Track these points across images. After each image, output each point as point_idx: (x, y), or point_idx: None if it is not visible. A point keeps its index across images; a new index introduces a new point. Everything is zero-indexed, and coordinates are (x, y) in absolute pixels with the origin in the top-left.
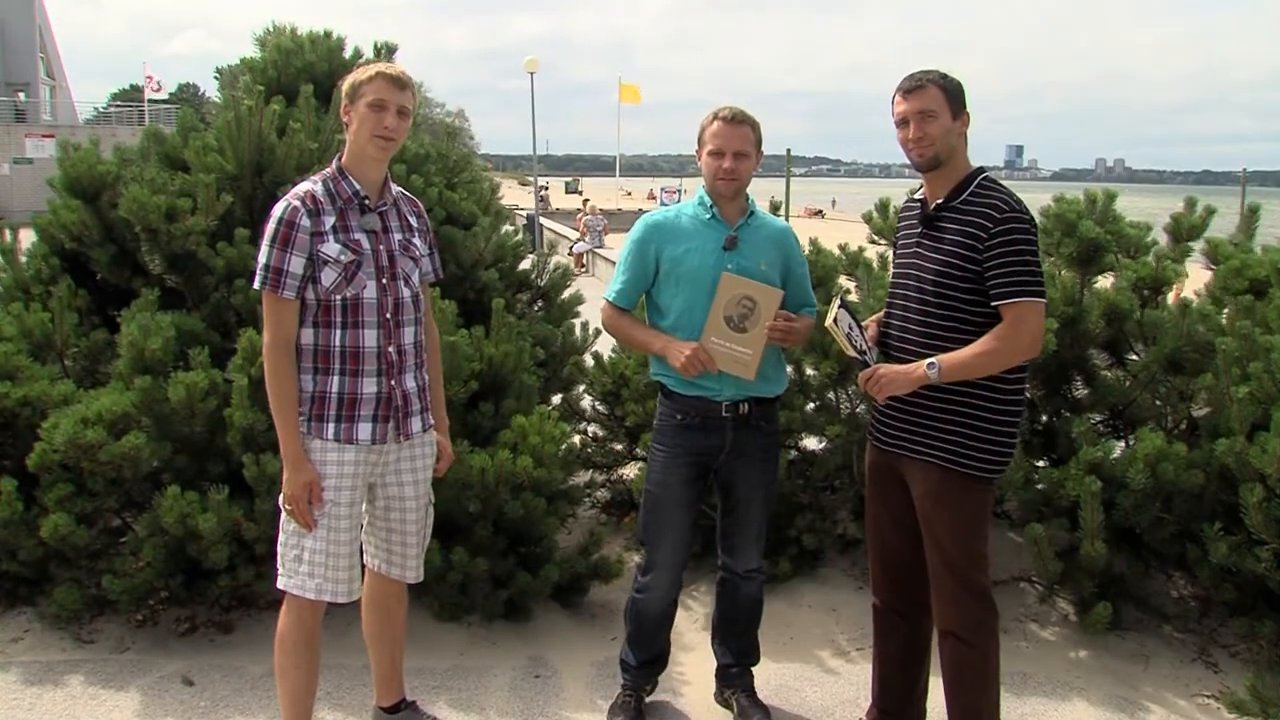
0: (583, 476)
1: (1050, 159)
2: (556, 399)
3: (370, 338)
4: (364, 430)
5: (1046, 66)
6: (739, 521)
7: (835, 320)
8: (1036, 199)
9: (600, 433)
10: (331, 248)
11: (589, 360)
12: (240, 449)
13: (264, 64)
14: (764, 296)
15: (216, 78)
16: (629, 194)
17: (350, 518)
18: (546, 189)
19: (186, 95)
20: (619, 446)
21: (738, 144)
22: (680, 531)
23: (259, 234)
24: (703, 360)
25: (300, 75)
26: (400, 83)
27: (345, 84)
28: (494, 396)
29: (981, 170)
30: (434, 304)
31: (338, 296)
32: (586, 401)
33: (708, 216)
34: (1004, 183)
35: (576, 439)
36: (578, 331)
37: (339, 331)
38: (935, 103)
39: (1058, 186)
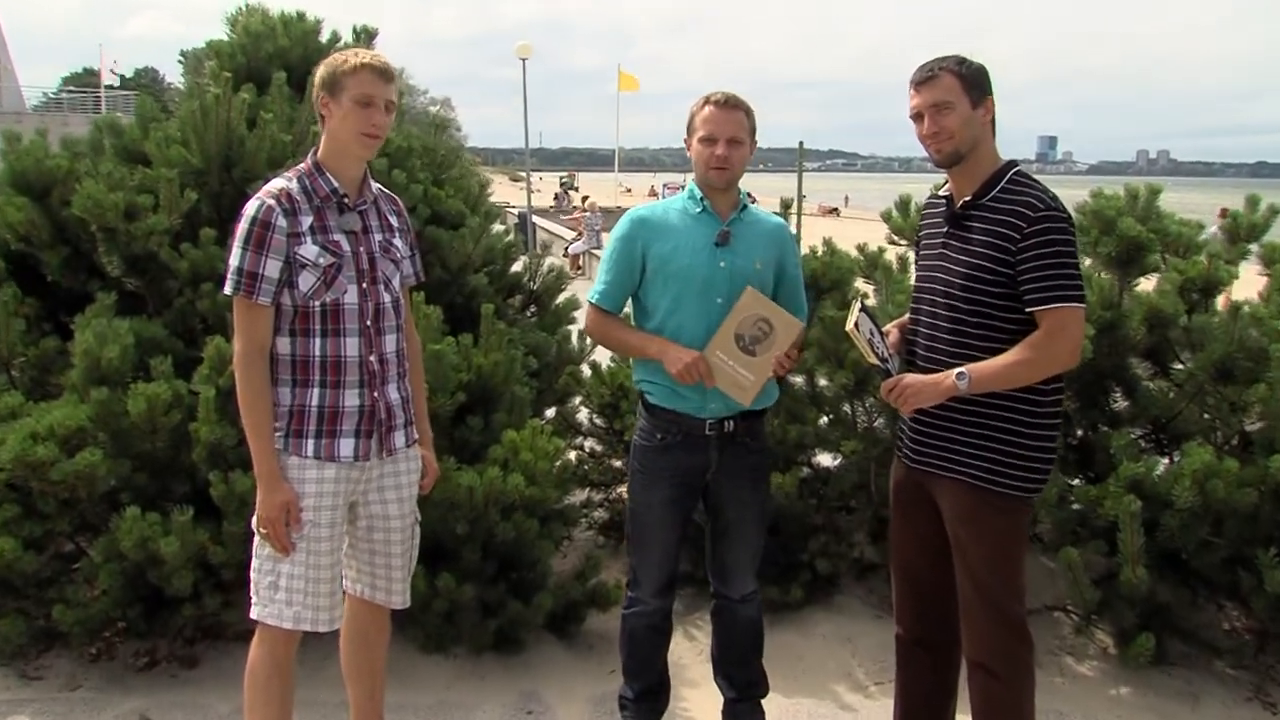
0: (579, 496)
1: (1087, 151)
2: (551, 412)
3: (351, 346)
4: (346, 446)
5: (1082, 50)
6: (731, 545)
7: (856, 325)
8: (1072, 195)
9: (598, 448)
10: (309, 250)
11: (586, 370)
12: (207, 466)
13: (232, 48)
14: (784, 325)
15: (181, 62)
16: (628, 190)
17: (331, 539)
18: (568, 181)
19: (146, 81)
20: (618, 463)
21: (731, 130)
22: (666, 546)
23: (228, 234)
24: (701, 372)
25: (272, 61)
26: (387, 75)
27: (322, 72)
28: (483, 409)
29: (1013, 164)
30: (416, 309)
31: (316, 302)
32: (583, 415)
33: (698, 210)
34: (1037, 178)
35: (572, 455)
36: (574, 339)
37: (318, 340)
38: (951, 93)
39: (1095, 181)
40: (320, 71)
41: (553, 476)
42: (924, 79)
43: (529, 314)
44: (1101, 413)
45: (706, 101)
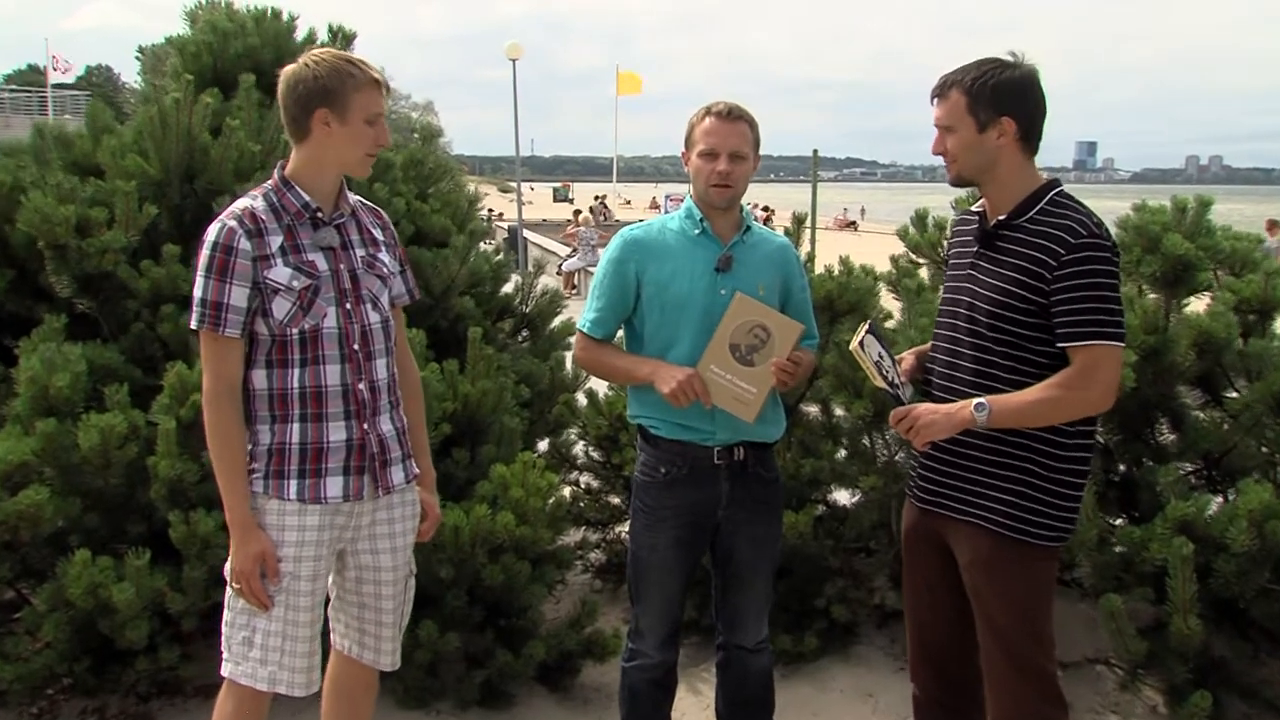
0: (574, 535)
1: (1129, 157)
2: (543, 445)
3: (333, 374)
4: (333, 485)
5: (1123, 45)
6: (744, 588)
7: (861, 344)
8: (1113, 206)
9: (595, 484)
10: (280, 273)
11: (582, 399)
12: (166, 505)
13: (196, 46)
14: (781, 329)
15: (139, 59)
16: (628, 202)
17: (313, 594)
18: (600, 197)
19: (98, 79)
20: (617, 500)
21: (734, 143)
22: (671, 592)
23: (190, 250)
24: (696, 390)
25: (240, 62)
26: (386, 88)
27: (322, 84)
28: (470, 442)
29: (1054, 184)
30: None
31: (294, 329)
32: (578, 448)
33: (696, 232)
34: (1074, 188)
35: (567, 491)
36: (568, 366)
37: (297, 370)
38: (953, 114)
39: (1139, 190)
40: (313, 82)
41: (545, 515)
42: (936, 93)
43: (520, 339)
44: (1146, 446)
45: (707, 113)
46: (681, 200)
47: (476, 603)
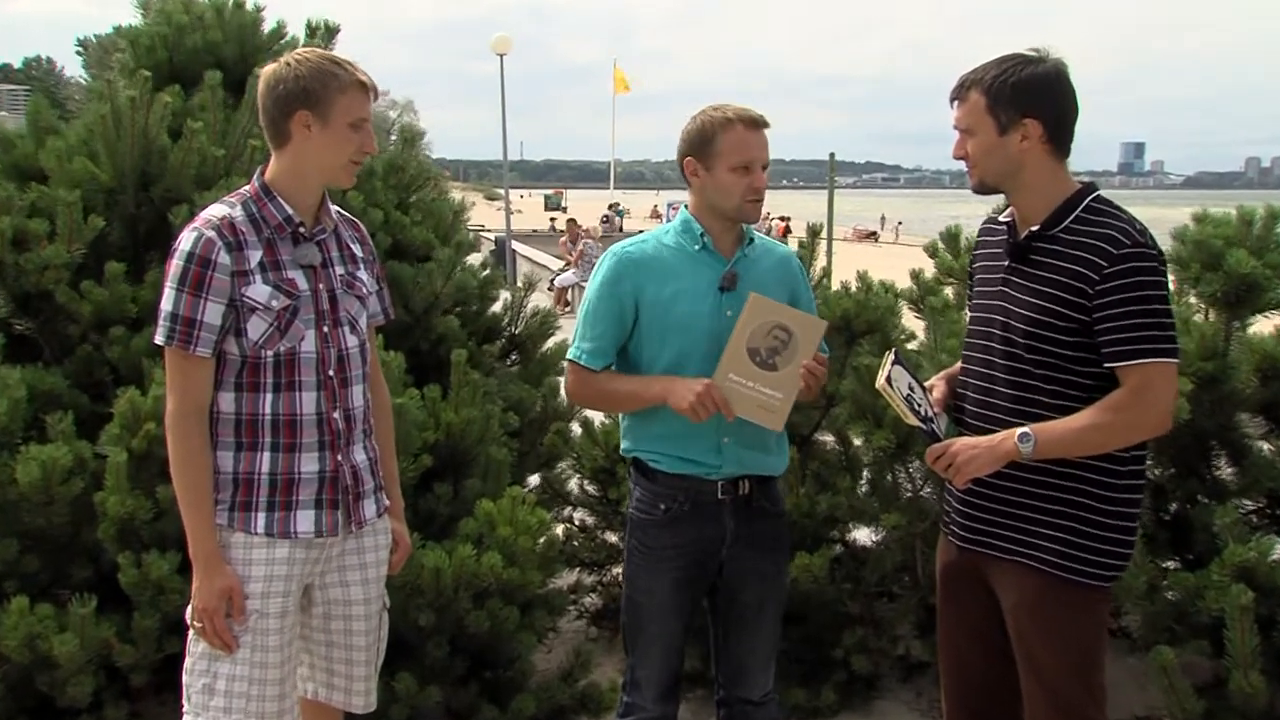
0: (567, 578)
1: (1182, 160)
2: (534, 478)
3: (309, 401)
4: (304, 520)
5: (1173, 35)
6: (749, 635)
7: (889, 379)
8: (1165, 216)
9: (589, 521)
10: (259, 290)
11: (576, 429)
12: (115, 546)
13: (151, 39)
14: (803, 327)
15: (80, 52)
16: (625, 211)
17: (282, 633)
18: (618, 209)
19: (37, 73)
20: (613, 539)
21: (767, 153)
22: (670, 640)
23: (143, 266)
24: (716, 401)
25: (201, 57)
26: (375, 91)
27: (302, 84)
28: (453, 475)
29: (1090, 189)
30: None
31: (269, 352)
32: (572, 482)
33: (696, 248)
34: (1119, 194)
35: (559, 530)
36: (561, 392)
37: (269, 395)
38: (971, 115)
39: (1193, 196)
40: (293, 82)
41: (536, 555)
42: (954, 94)
43: (509, 362)
44: (1202, 482)
45: (735, 120)
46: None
47: (459, 652)
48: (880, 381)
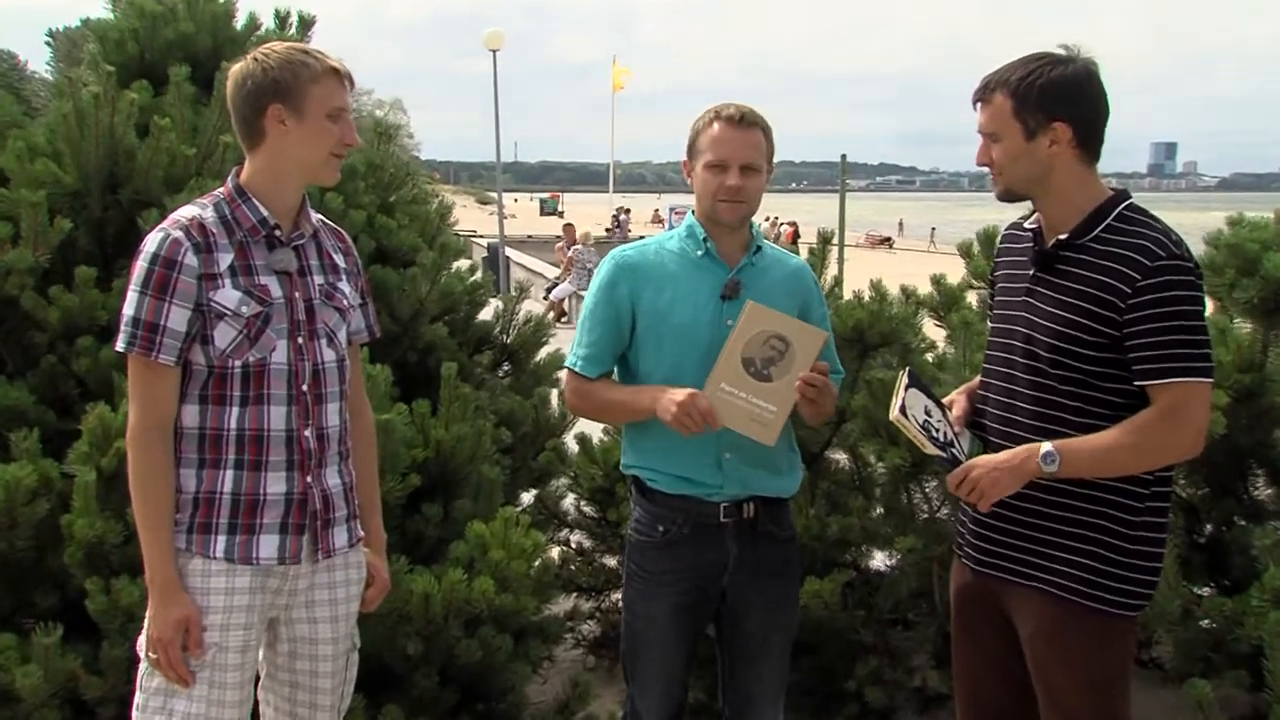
0: (563, 604)
1: (1216, 160)
2: (527, 498)
3: (278, 417)
4: (267, 545)
5: (1208, 29)
6: (755, 665)
7: (903, 409)
8: (1199, 220)
9: (587, 544)
10: (228, 295)
11: (572, 444)
12: (82, 572)
13: (120, 32)
14: (801, 337)
15: (49, 44)
16: (626, 213)
17: (241, 668)
18: (627, 213)
19: (1, 67)
20: (612, 562)
21: (746, 154)
22: (672, 670)
23: (113, 272)
24: (702, 412)
25: (171, 51)
26: (351, 79)
27: (273, 75)
28: (442, 495)
29: (1123, 196)
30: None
31: (236, 362)
32: (568, 501)
33: (699, 253)
34: (1149, 197)
35: (555, 553)
36: (555, 405)
37: (235, 409)
38: (997, 119)
39: (1228, 200)
40: (262, 76)
41: (530, 580)
42: (978, 96)
43: (500, 374)
44: (1239, 502)
45: (715, 117)
46: (685, 213)
47: (449, 683)
48: (894, 413)
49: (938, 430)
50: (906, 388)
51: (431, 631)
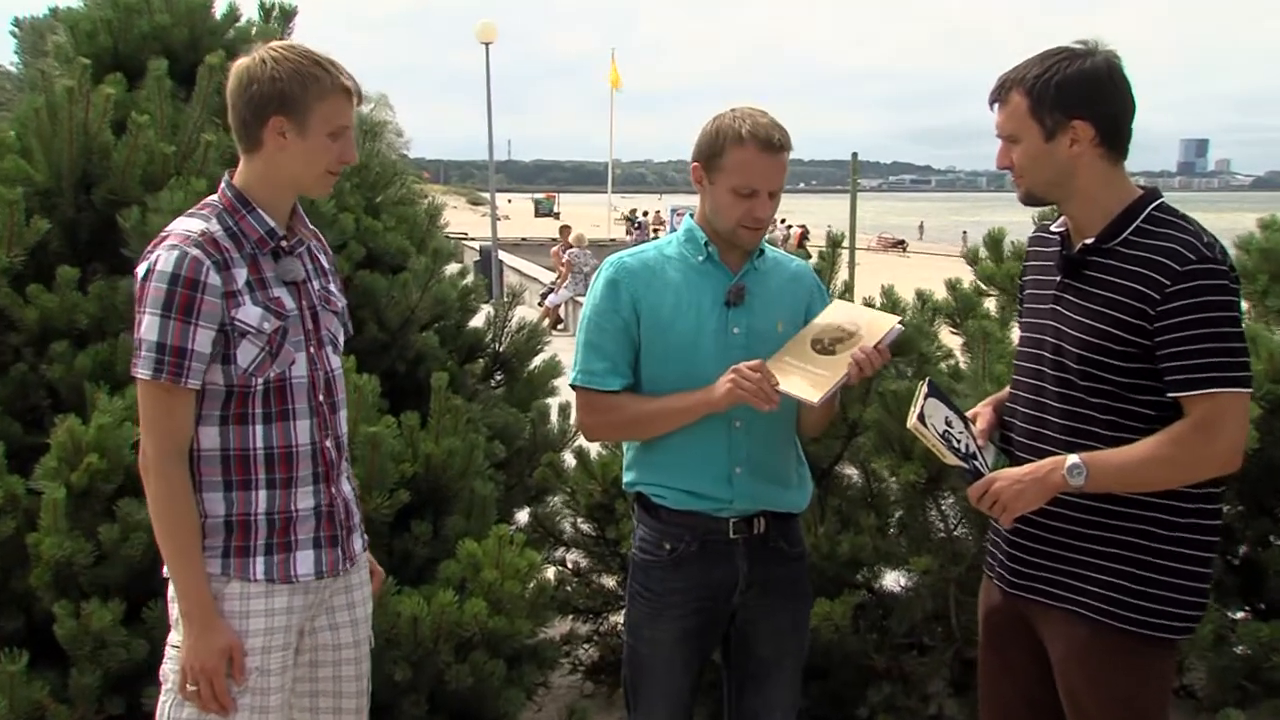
0: (560, 627)
1: (1250, 159)
2: (522, 515)
3: (304, 431)
4: (304, 561)
5: (1239, 18)
6: (765, 690)
7: (921, 417)
8: (1231, 222)
9: (584, 564)
10: (251, 313)
11: (569, 459)
12: (50, 594)
13: (92, 23)
14: (871, 323)
15: (14, 34)
16: (645, 215)
17: (283, 690)
18: (645, 215)
19: None
20: (611, 583)
21: (777, 181)
22: (677, 696)
23: (87, 275)
24: (755, 367)
25: (147, 44)
26: (360, 95)
27: (277, 87)
28: (433, 512)
29: (1152, 195)
30: (346, 376)
31: (259, 379)
32: (566, 519)
33: (700, 259)
34: (1179, 197)
35: (551, 573)
36: (553, 417)
37: (260, 428)
38: (1014, 120)
39: (1263, 200)
40: (270, 85)
41: (525, 602)
42: (994, 96)
43: (493, 384)
44: (1275, 521)
45: (747, 137)
46: (685, 213)
47: (439, 711)
48: (912, 421)
49: (959, 441)
50: (926, 397)
51: (420, 656)
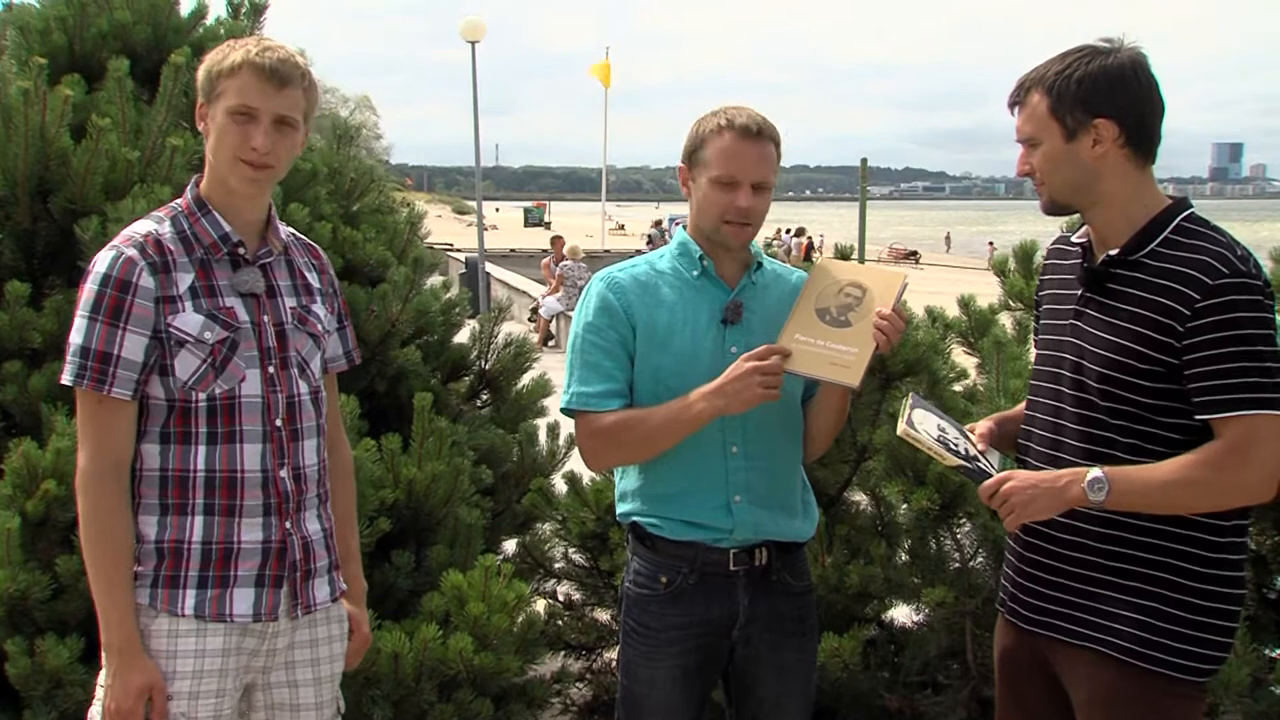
0: (550, 664)
1: None
2: (510, 545)
3: (252, 456)
4: (241, 600)
5: (1276, 14)
6: None
7: (910, 424)
8: (1265, 234)
9: (576, 596)
10: (190, 320)
11: (559, 484)
12: (3, 630)
13: (45, 20)
14: (878, 280)
15: None
16: (620, 227)
17: None
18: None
19: None
20: (605, 617)
21: (759, 170)
22: None
23: (43, 291)
24: (774, 351)
25: (107, 43)
26: (281, 76)
27: (201, 70)
28: (415, 542)
29: (1182, 204)
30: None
31: (201, 394)
32: (556, 549)
33: (695, 273)
34: (1211, 205)
35: (541, 606)
36: (542, 439)
37: (203, 448)
38: (1033, 121)
39: None
40: (199, 70)
41: (513, 637)
42: (1013, 98)
43: (479, 404)
44: None
45: (726, 126)
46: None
47: None
48: (901, 427)
49: (956, 444)
50: (912, 407)
51: (402, 695)
